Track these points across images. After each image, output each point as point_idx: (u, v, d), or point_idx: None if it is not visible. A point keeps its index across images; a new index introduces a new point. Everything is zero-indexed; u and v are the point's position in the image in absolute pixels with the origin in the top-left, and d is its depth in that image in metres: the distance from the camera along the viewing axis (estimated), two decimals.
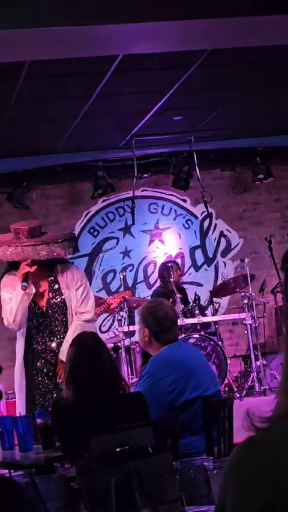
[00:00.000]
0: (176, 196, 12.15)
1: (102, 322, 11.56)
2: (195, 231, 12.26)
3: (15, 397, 9.86)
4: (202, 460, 2.50)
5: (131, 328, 9.48)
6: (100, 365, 4.34)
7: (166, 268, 10.47)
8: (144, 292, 11.74)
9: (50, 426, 4.85)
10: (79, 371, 4.34)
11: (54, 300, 6.28)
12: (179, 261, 11.76)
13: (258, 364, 9.66)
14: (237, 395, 9.11)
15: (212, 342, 9.46)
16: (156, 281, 11.77)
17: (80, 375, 4.32)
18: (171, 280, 9.98)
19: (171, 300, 9.57)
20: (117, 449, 2.27)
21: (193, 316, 9.64)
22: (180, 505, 2.04)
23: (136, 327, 6.90)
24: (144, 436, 2.54)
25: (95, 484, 1.99)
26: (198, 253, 12.23)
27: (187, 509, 2.19)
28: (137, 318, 5.43)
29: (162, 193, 12.16)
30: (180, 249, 12.20)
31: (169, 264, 10.71)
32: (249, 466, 1.46)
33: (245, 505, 1.44)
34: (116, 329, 10.21)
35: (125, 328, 9.67)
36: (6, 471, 2.55)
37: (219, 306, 10.66)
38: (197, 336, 9.49)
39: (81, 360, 4.36)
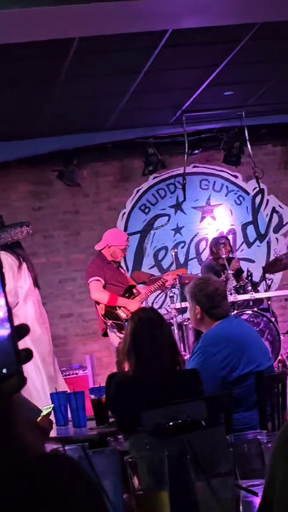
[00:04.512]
0: (227, 172, 12.08)
1: (155, 299, 11.57)
2: (246, 207, 12.18)
3: (73, 374, 10.08)
4: (256, 434, 2.48)
5: (183, 304, 9.47)
6: (162, 339, 4.31)
7: (215, 244, 10.47)
8: (196, 269, 11.72)
9: (103, 402, 4.88)
10: (142, 343, 4.29)
11: None
12: (230, 237, 11.72)
13: None
14: None
15: (264, 318, 9.41)
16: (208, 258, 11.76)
17: (143, 348, 4.28)
18: (221, 255, 9.99)
19: (223, 276, 9.55)
20: (171, 423, 2.27)
21: (245, 292, 9.60)
22: (234, 478, 2.03)
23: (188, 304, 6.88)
24: (197, 410, 2.53)
25: (148, 457, 1.98)
26: (250, 230, 12.16)
27: (241, 483, 2.18)
28: (186, 297, 5.38)
29: (213, 169, 12.10)
30: (232, 225, 12.14)
31: (217, 240, 10.69)
32: None
33: None
34: (169, 305, 10.21)
35: (177, 305, 9.67)
36: (60, 446, 2.56)
37: (271, 282, 10.60)
38: (249, 312, 9.45)
39: (144, 333, 4.32)
